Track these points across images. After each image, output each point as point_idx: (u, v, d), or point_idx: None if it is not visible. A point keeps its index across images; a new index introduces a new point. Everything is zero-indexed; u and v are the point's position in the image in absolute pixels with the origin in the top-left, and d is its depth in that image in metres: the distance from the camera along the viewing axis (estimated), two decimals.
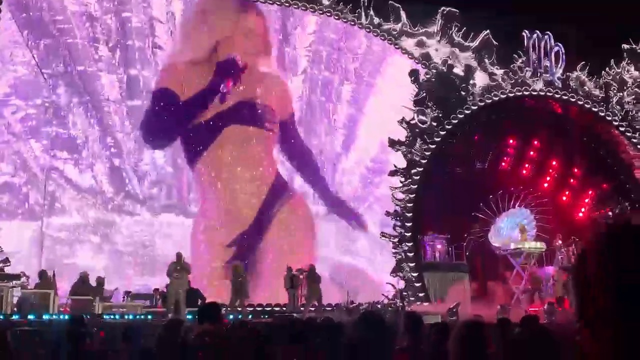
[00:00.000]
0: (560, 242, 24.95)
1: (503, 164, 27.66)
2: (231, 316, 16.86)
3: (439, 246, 24.34)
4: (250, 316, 18.25)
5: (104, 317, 16.19)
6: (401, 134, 22.33)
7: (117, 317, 16.18)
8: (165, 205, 19.45)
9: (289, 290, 18.58)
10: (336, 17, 24.46)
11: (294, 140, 21.36)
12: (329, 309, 19.69)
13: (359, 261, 21.49)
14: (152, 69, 19.66)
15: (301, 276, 18.30)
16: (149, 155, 19.59)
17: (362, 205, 22.13)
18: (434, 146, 22.68)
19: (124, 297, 19.02)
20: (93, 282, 17.81)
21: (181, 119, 19.65)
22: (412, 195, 22.10)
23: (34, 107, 19.15)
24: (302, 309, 17.83)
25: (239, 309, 17.94)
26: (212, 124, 19.88)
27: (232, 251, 19.77)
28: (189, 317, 14.76)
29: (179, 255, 16.76)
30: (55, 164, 19.21)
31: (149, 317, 16.50)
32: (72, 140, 19.36)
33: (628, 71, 26.97)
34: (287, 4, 23.74)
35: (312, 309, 18.06)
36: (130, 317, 16.38)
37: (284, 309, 19.10)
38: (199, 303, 15.57)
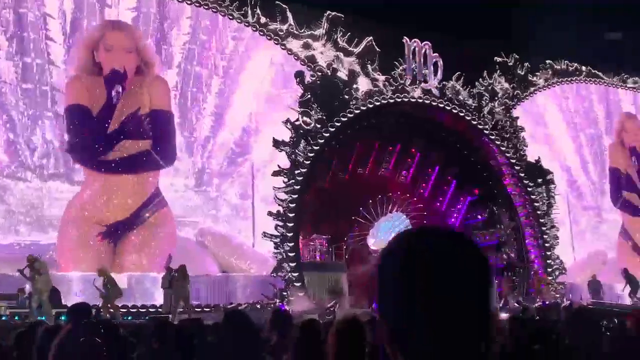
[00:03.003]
0: None
1: (383, 169, 28.46)
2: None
3: (319, 247, 24.72)
4: (130, 317, 17.70)
5: None
6: (281, 135, 22.68)
7: None
8: (53, 173, 21.97)
9: (166, 290, 18.13)
10: (222, 14, 24.26)
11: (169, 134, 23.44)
12: (207, 310, 19.40)
13: (223, 226, 23.82)
14: (44, 58, 22.47)
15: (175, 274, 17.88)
16: (39, 131, 22.11)
17: (227, 180, 24.26)
18: (317, 148, 22.91)
19: None
20: None
21: (95, 135, 22.26)
22: (294, 196, 22.20)
23: None
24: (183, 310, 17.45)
25: (111, 310, 17.28)
26: (111, 137, 22.33)
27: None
28: (63, 318, 14.18)
29: (31, 259, 16.27)
30: None
31: (3, 318, 15.84)
32: None
33: (499, 83, 28.58)
34: None
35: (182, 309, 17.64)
36: None
37: (160, 309, 18.60)
38: (62, 302, 14.97)
